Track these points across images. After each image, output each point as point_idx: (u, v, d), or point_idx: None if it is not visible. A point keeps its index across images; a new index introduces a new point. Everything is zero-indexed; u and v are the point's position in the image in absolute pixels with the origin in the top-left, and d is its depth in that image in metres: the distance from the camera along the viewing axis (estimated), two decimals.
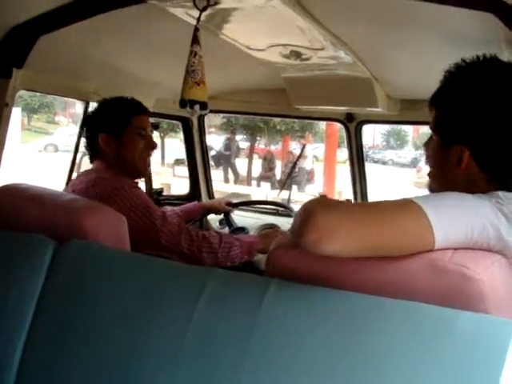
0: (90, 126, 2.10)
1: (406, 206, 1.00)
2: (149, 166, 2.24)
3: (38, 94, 9.44)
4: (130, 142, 2.04)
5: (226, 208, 2.88)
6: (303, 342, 1.01)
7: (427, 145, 1.26)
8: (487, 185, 1.13)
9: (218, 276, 1.17)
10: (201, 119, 3.23)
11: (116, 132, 2.03)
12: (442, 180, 1.15)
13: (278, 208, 3.09)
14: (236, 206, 2.99)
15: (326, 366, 0.97)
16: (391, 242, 0.99)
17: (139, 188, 2.04)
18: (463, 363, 0.88)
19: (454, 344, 0.90)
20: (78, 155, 2.64)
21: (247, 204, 3.23)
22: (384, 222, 0.99)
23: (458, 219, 1.00)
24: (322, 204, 1.02)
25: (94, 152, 2.08)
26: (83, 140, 2.14)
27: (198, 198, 3.34)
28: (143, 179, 2.66)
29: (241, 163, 15.46)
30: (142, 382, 1.13)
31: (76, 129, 2.61)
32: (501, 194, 1.06)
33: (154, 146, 2.13)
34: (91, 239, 1.39)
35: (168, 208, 2.64)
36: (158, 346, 1.13)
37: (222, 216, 2.95)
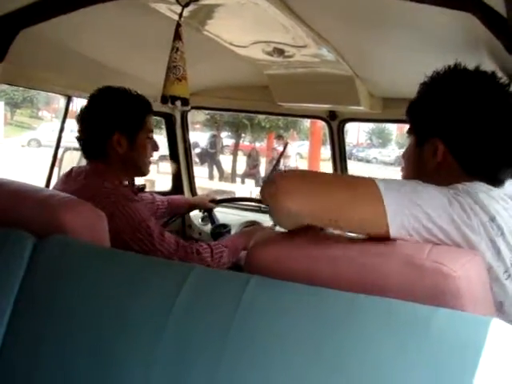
0: (100, 122, 1.96)
1: (365, 182, 1.04)
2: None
3: (21, 88, 9.37)
4: (141, 145, 2.00)
5: (210, 205, 2.88)
6: (280, 337, 1.01)
7: (404, 156, 1.35)
8: (462, 179, 1.15)
9: (198, 272, 1.17)
10: (184, 115, 3.22)
11: (131, 133, 1.97)
12: (415, 178, 1.16)
13: (260, 205, 3.09)
14: (219, 202, 3.00)
15: (302, 362, 0.97)
16: (342, 213, 1.02)
17: (138, 201, 1.98)
18: (438, 360, 0.89)
19: (429, 341, 0.90)
20: (60, 150, 2.63)
21: (230, 201, 3.24)
22: (339, 192, 1.03)
23: (412, 203, 1.01)
24: (287, 170, 1.13)
25: (96, 151, 1.98)
26: (77, 134, 2.04)
27: (181, 194, 3.33)
28: None
29: (225, 160, 15.45)
30: (119, 378, 1.13)
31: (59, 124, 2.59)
32: (460, 186, 1.10)
33: (157, 148, 2.10)
34: (71, 235, 1.38)
35: (156, 197, 2.63)
36: (137, 341, 1.13)
37: (204, 213, 2.96)
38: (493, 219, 1.05)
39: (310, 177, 1.08)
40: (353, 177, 1.11)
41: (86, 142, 2.00)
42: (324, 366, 0.96)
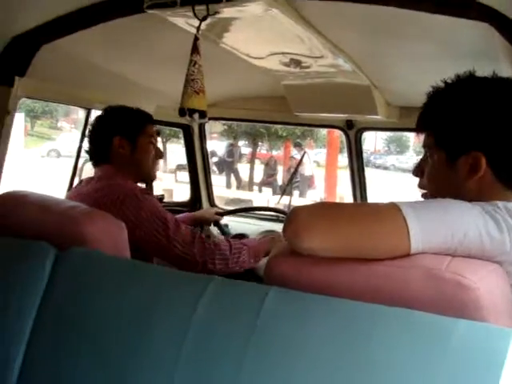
0: (102, 129, 2.10)
1: (386, 208, 1.02)
2: (156, 170, 2.26)
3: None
4: (143, 147, 2.08)
5: (216, 217, 2.88)
6: (301, 349, 1.01)
7: (418, 169, 1.27)
8: (500, 194, 1.12)
9: (217, 283, 1.17)
10: (201, 126, 3.25)
11: (131, 136, 2.06)
12: (449, 196, 1.09)
13: (278, 214, 3.09)
14: (224, 214, 3.00)
15: (323, 374, 0.97)
16: (364, 243, 1.01)
17: (151, 194, 2.03)
18: (460, 372, 0.88)
19: (450, 352, 0.90)
20: (80, 161, 2.65)
21: (236, 212, 3.21)
22: (360, 223, 1.01)
23: (437, 225, 0.99)
24: (309, 204, 1.07)
25: (102, 156, 2.07)
26: (87, 145, 2.15)
27: (199, 203, 3.34)
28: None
29: (243, 169, 15.46)
30: None
31: (78, 134, 2.62)
32: (500, 203, 1.05)
33: (161, 155, 2.17)
34: (91, 246, 1.40)
35: None
36: (157, 353, 1.13)
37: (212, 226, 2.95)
38: None
39: (330, 211, 1.05)
40: (375, 206, 1.07)
41: (92, 149, 2.11)
42: (344, 378, 0.96)
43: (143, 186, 2.15)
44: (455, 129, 1.16)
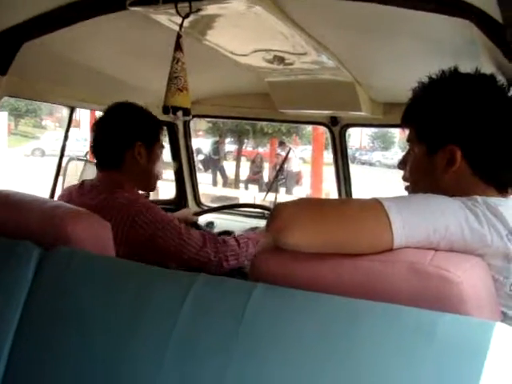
0: (121, 131, 1.96)
1: (369, 204, 1.03)
2: None
3: None
4: (157, 157, 2.03)
5: (192, 218, 2.86)
6: (287, 345, 1.01)
7: (403, 163, 1.30)
8: (477, 187, 1.14)
9: (202, 280, 1.17)
10: (186, 124, 3.24)
11: (149, 144, 1.99)
12: (428, 191, 1.12)
13: (264, 211, 3.09)
14: (201, 214, 3.00)
15: (309, 368, 0.98)
16: (348, 238, 1.01)
17: (155, 204, 1.99)
18: (445, 365, 0.89)
19: (435, 346, 0.90)
20: (64, 159, 2.64)
21: (215, 210, 3.20)
22: (343, 218, 1.02)
23: (419, 219, 1.00)
24: (292, 200, 1.08)
25: (113, 161, 1.96)
26: (83, 144, 2.11)
27: (185, 201, 3.34)
28: None
29: (229, 166, 15.46)
30: None
31: (63, 133, 2.61)
32: (479, 199, 1.06)
33: (163, 164, 2.13)
34: (76, 246, 1.39)
35: None
36: (144, 350, 1.13)
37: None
38: (511, 233, 1.03)
39: (313, 207, 1.06)
40: (358, 202, 1.09)
41: (104, 151, 1.99)
42: (330, 372, 0.96)
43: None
44: (435, 122, 1.19)
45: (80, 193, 1.97)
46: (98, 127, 2.00)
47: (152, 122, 2.03)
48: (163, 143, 2.08)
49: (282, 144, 13.97)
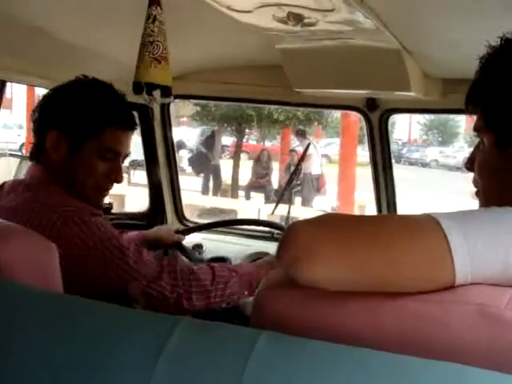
0: (39, 115, 2.07)
1: (420, 223, 1.03)
2: (105, 196, 2.22)
3: None
4: (87, 159, 2.04)
5: (175, 237, 2.87)
6: None
7: (471, 161, 1.30)
8: None
9: (186, 327, 1.17)
10: (165, 108, 3.26)
11: (74, 136, 2.01)
12: (502, 192, 1.15)
13: (272, 230, 3.09)
14: (188, 232, 3.00)
15: None
16: (391, 272, 1.01)
17: (100, 215, 2.01)
18: None
19: None
20: None
21: (207, 228, 3.21)
22: (382, 243, 1.02)
23: (492, 244, 1.00)
24: (312, 218, 1.07)
25: (36, 151, 2.07)
26: (16, 133, 2.14)
27: (162, 215, 3.34)
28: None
29: (224, 166, 15.47)
30: None
31: None
32: None
33: (118, 179, 2.13)
34: (6, 275, 1.40)
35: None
36: None
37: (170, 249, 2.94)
38: None
39: (342, 228, 1.05)
40: (404, 220, 1.07)
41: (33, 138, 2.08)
42: None
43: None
44: (506, 104, 1.18)
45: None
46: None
47: (85, 106, 2.03)
48: (114, 150, 2.08)
49: (300, 134, 13.95)
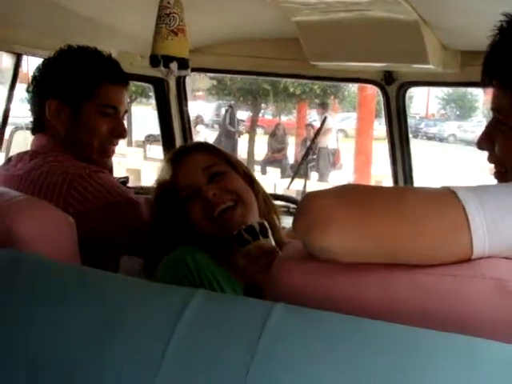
0: (36, 85, 2.08)
1: (437, 195, 1.03)
2: (111, 156, 2.24)
3: None
4: (88, 119, 2.05)
5: None
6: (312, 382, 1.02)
7: (486, 140, 1.28)
8: None
9: (201, 298, 1.18)
10: (181, 81, 3.25)
11: (71, 101, 2.03)
12: None
13: (288, 204, 3.09)
14: None
15: None
16: (406, 243, 1.01)
17: (106, 173, 2.04)
18: None
19: None
20: (8, 128, 2.66)
21: None
22: (399, 214, 1.01)
23: (510, 216, 0.99)
24: (330, 188, 1.07)
25: (37, 123, 2.09)
26: (21, 108, 2.15)
27: None
28: None
29: (240, 141, 15.45)
30: None
31: (4, 92, 2.62)
32: None
33: (122, 133, 2.14)
34: (25, 248, 1.41)
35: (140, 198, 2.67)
36: None
37: None
38: None
39: (358, 199, 1.05)
40: (422, 192, 1.07)
41: (31, 112, 2.12)
42: None
43: None
44: None
45: (5, 168, 2.07)
46: (27, 87, 2.12)
47: (77, 69, 2.04)
48: (109, 105, 2.09)
49: (321, 106, 13.83)
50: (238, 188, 1.82)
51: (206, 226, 1.80)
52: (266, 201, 1.94)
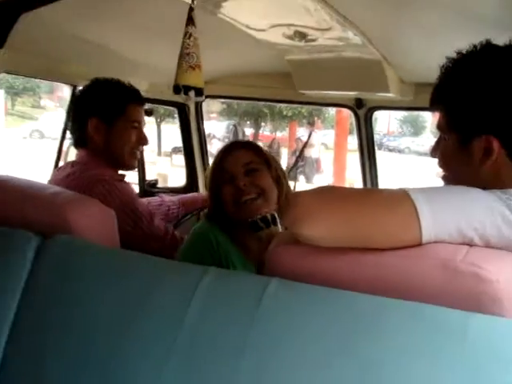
0: (79, 108, 2.10)
1: (395, 195, 1.03)
2: (138, 158, 2.26)
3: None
4: (121, 132, 2.06)
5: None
6: (302, 342, 1.02)
7: (435, 150, 1.26)
8: None
9: (213, 273, 1.18)
10: (198, 105, 3.24)
11: (108, 118, 2.04)
12: (463, 181, 1.10)
13: None
14: None
15: (327, 370, 0.99)
16: (372, 232, 1.01)
17: (125, 182, 2.06)
18: (476, 368, 0.89)
19: (465, 347, 0.91)
20: (66, 143, 2.65)
21: None
22: (366, 209, 1.02)
23: (451, 212, 1.00)
24: (313, 188, 1.09)
25: (80, 138, 2.08)
26: (70, 125, 2.15)
27: (196, 189, 3.35)
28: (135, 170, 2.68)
29: None
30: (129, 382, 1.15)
31: (64, 114, 2.61)
32: None
33: (145, 141, 2.16)
34: (76, 234, 1.41)
35: (165, 198, 2.66)
36: (146, 349, 1.15)
37: None
38: None
39: (335, 196, 1.06)
40: (384, 192, 1.08)
41: (71, 130, 2.13)
42: (349, 372, 0.97)
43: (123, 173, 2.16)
44: (466, 107, 1.13)
45: (56, 173, 2.10)
46: (68, 110, 2.21)
47: (112, 95, 2.06)
48: (137, 121, 2.11)
49: (310, 124, 13.86)
50: (264, 184, 1.83)
51: (231, 208, 1.81)
52: (288, 199, 1.94)
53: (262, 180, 1.84)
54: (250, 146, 1.94)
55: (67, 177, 1.95)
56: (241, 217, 1.78)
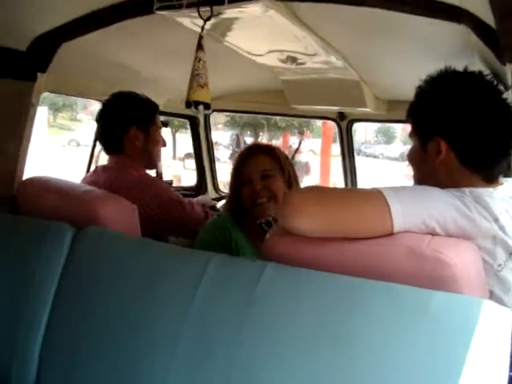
0: (116, 118, 1.99)
1: (370, 193, 1.04)
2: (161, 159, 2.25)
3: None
4: (154, 137, 2.04)
5: (212, 203, 2.87)
6: (293, 318, 1.03)
7: (410, 158, 1.28)
8: (467, 178, 1.13)
9: (219, 259, 1.18)
10: (207, 117, 3.24)
11: (145, 126, 2.00)
12: (426, 179, 1.16)
13: None
14: (220, 199, 3.01)
15: (313, 343, 0.99)
16: (351, 224, 1.02)
17: (162, 181, 2.08)
18: (436, 337, 0.90)
19: (428, 320, 0.92)
20: (97, 149, 2.65)
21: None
22: (346, 205, 1.03)
23: (416, 206, 1.01)
24: (301, 188, 1.11)
25: (114, 145, 1.99)
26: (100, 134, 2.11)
27: (205, 188, 3.35)
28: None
29: None
30: (142, 360, 1.15)
31: (95, 125, 2.60)
32: (467, 190, 1.07)
33: (165, 143, 2.14)
34: (106, 226, 1.42)
35: None
36: (160, 326, 1.16)
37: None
38: (496, 220, 1.04)
39: (319, 195, 1.06)
40: (360, 191, 1.10)
41: (106, 138, 2.04)
42: (334, 344, 0.97)
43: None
44: (425, 117, 1.19)
45: (92, 175, 2.03)
46: (99, 118, 2.05)
47: (145, 107, 2.03)
48: (161, 127, 2.10)
49: (300, 133, 13.91)
50: (275, 189, 1.77)
51: (248, 205, 1.78)
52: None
53: (274, 185, 1.78)
54: (268, 151, 1.86)
55: (110, 183, 1.86)
56: (254, 214, 1.76)
